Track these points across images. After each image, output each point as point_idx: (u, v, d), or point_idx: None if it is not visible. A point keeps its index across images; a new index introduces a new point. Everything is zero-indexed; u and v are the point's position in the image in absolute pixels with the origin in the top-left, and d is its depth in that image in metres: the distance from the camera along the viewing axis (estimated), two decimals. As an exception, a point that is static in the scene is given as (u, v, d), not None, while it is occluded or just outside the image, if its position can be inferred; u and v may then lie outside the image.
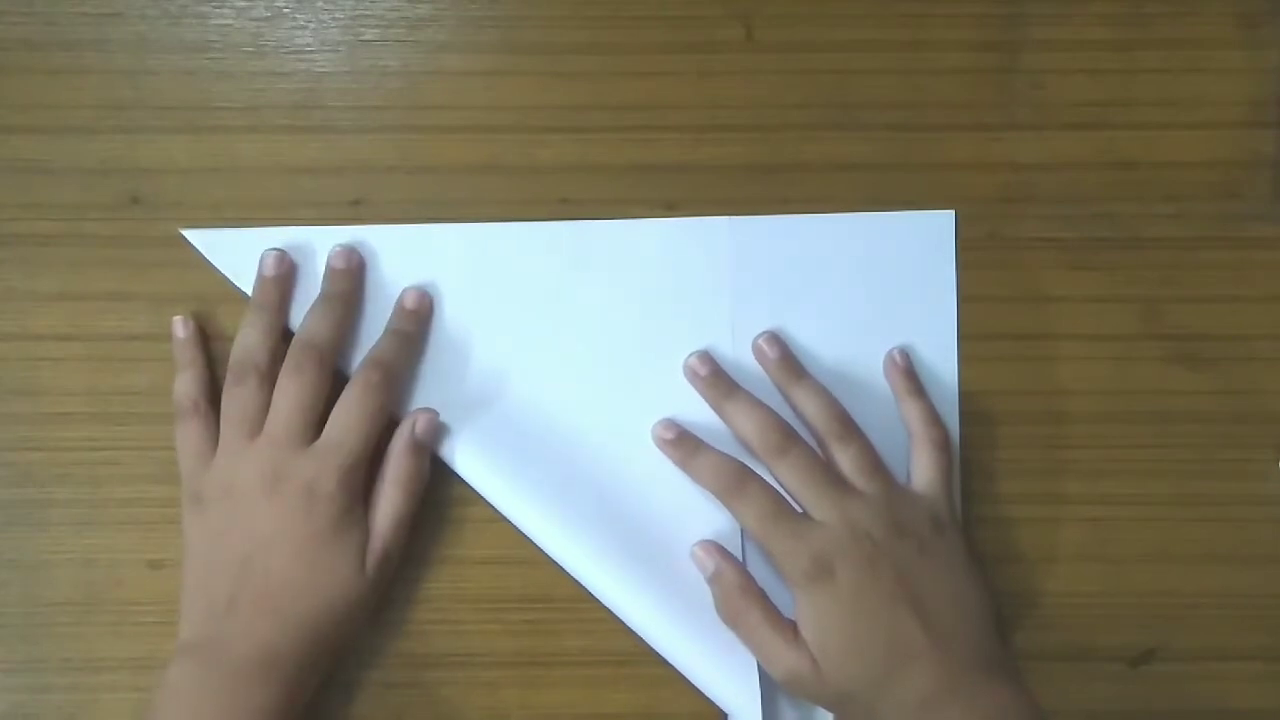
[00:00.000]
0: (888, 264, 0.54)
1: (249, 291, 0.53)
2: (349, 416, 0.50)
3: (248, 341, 0.51)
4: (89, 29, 0.55)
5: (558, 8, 0.55)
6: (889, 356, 0.54)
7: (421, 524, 0.54)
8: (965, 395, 0.54)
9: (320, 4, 0.55)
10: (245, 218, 0.54)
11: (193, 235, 0.54)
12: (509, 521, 0.53)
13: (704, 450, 0.52)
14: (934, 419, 0.53)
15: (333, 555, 0.49)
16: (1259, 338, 0.55)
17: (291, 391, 0.50)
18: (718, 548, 0.52)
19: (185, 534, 0.51)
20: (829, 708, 0.50)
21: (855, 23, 0.55)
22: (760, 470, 0.51)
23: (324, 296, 0.52)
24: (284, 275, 0.53)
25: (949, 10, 0.55)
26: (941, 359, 0.54)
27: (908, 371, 0.54)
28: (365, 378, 0.51)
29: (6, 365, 0.54)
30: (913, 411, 0.53)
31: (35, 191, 0.54)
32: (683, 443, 0.53)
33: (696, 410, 0.53)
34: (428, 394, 0.53)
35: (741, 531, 0.53)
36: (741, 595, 0.51)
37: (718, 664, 0.52)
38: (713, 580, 0.52)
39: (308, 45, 0.55)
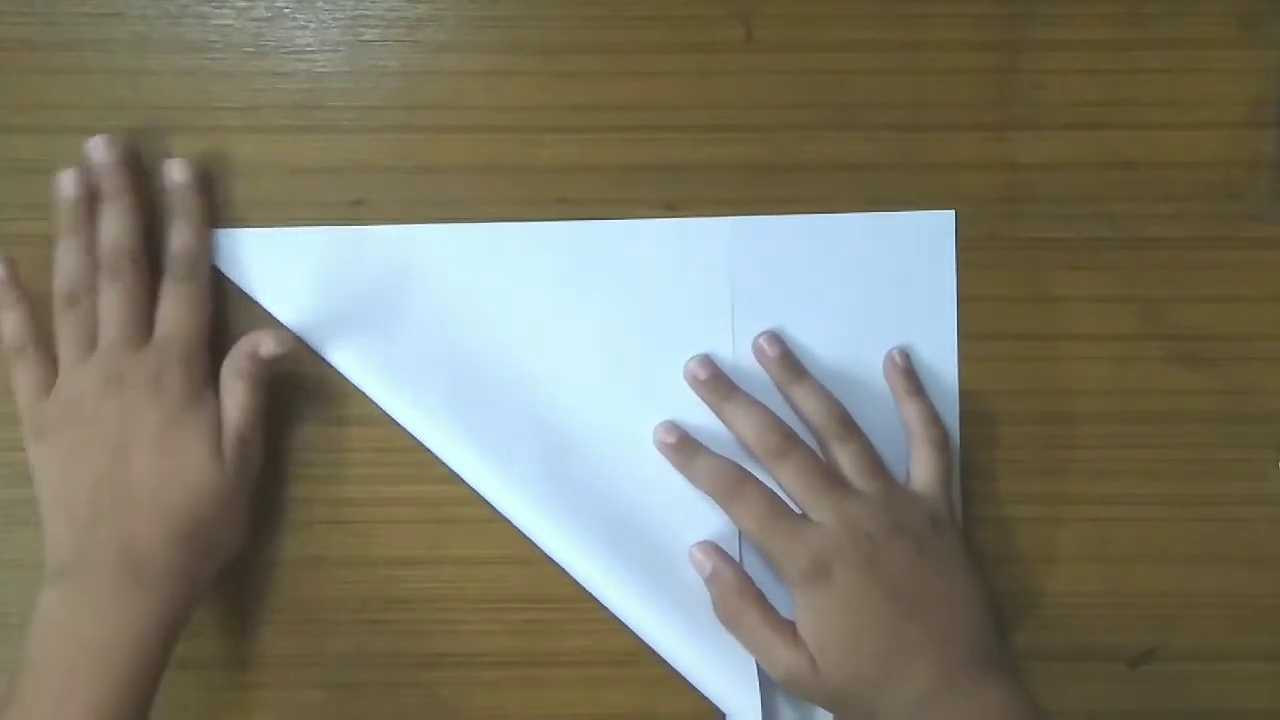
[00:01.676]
0: (888, 264, 0.54)
1: (251, 292, 0.53)
2: (174, 309, 0.51)
3: (67, 265, 0.51)
4: (89, 29, 0.55)
5: (558, 8, 0.55)
6: (889, 356, 0.54)
7: (421, 524, 0.54)
8: (965, 395, 0.54)
9: (320, 4, 0.55)
10: (245, 218, 0.54)
11: None
12: (509, 521, 0.53)
13: (702, 454, 0.52)
14: (933, 419, 0.53)
15: (186, 441, 0.49)
16: (1259, 338, 0.55)
17: (114, 297, 0.50)
18: (715, 549, 0.52)
19: (34, 471, 0.50)
20: (828, 707, 0.51)
21: (855, 23, 0.55)
22: (760, 472, 0.51)
23: (105, 197, 0.51)
24: (87, 195, 0.52)
25: (949, 10, 0.55)
26: (941, 359, 0.54)
27: (907, 371, 0.54)
28: (173, 273, 0.51)
29: (7, 365, 0.54)
30: (912, 411, 0.53)
31: (35, 191, 0.54)
32: (682, 446, 0.53)
33: (696, 411, 0.53)
34: (427, 394, 0.53)
35: (740, 533, 0.53)
36: (739, 596, 0.51)
37: (718, 665, 0.52)
38: (710, 581, 0.52)
39: (308, 45, 0.55)
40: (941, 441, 0.52)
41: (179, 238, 0.52)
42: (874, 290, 0.54)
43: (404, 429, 0.53)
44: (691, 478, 0.52)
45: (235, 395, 0.51)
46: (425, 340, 0.54)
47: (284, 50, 0.55)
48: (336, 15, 0.55)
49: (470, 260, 0.54)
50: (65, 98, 0.54)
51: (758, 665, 0.51)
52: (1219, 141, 0.55)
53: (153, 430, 0.49)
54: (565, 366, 0.54)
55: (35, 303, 0.52)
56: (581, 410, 0.54)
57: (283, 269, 0.54)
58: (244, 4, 0.55)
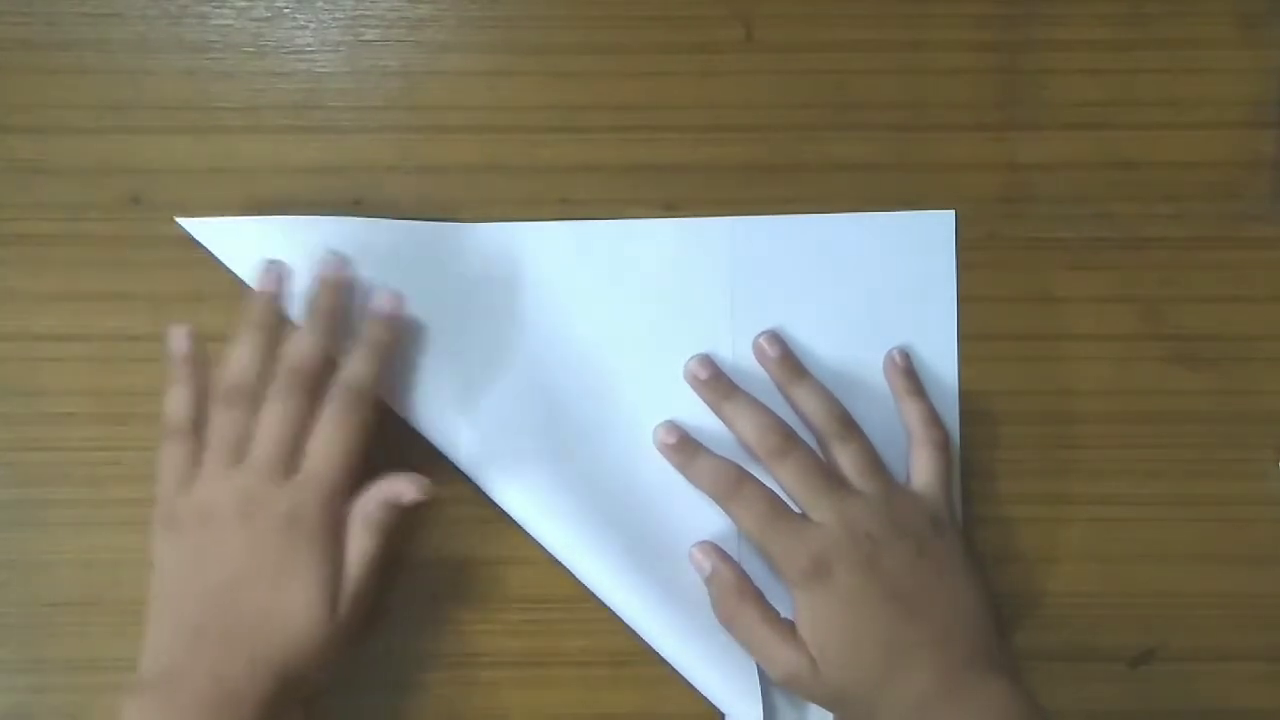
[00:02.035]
0: (888, 264, 0.54)
1: (246, 280, 0.53)
2: (327, 446, 0.49)
3: (241, 363, 0.50)
4: (89, 29, 0.55)
5: (558, 8, 0.55)
6: (889, 357, 0.54)
7: (421, 524, 0.54)
8: (965, 395, 0.54)
9: (321, 4, 0.55)
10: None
11: (188, 224, 0.54)
12: (509, 521, 0.53)
13: (702, 454, 0.52)
14: (934, 419, 0.53)
15: (306, 589, 0.48)
16: (1259, 338, 0.55)
17: (276, 419, 0.49)
18: (714, 548, 0.52)
19: (156, 558, 0.49)
20: (828, 707, 0.51)
21: (855, 23, 0.55)
22: (761, 473, 0.51)
23: (312, 313, 0.51)
24: (282, 291, 0.51)
25: (949, 10, 0.55)
26: (941, 359, 0.54)
27: (908, 372, 0.54)
28: (339, 404, 0.49)
29: (7, 365, 0.54)
30: (912, 412, 0.53)
31: (35, 191, 0.54)
32: (683, 447, 0.53)
33: (696, 411, 0.53)
34: (425, 394, 0.53)
35: (739, 534, 0.53)
36: (738, 595, 0.51)
37: (718, 665, 0.52)
38: (709, 581, 0.52)
39: (308, 45, 0.55)
40: (942, 442, 0.52)
41: (357, 366, 0.50)
42: (874, 290, 0.54)
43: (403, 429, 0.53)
44: (691, 478, 0.52)
45: (360, 545, 0.49)
46: (424, 339, 0.54)
47: (284, 50, 0.55)
48: (337, 15, 0.55)
49: (470, 260, 0.54)
50: (65, 98, 0.55)
51: (758, 665, 0.51)
52: (1219, 141, 0.55)
53: (273, 568, 0.48)
54: (565, 366, 0.54)
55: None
56: (581, 410, 0.54)
57: (284, 257, 0.53)
58: (244, 4, 0.55)
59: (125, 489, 0.54)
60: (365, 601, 0.50)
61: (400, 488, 0.49)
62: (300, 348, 0.50)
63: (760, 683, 0.51)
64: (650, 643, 0.52)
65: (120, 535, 0.54)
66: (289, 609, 0.48)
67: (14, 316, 0.54)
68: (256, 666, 0.47)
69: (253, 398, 0.49)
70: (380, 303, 0.51)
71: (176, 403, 0.51)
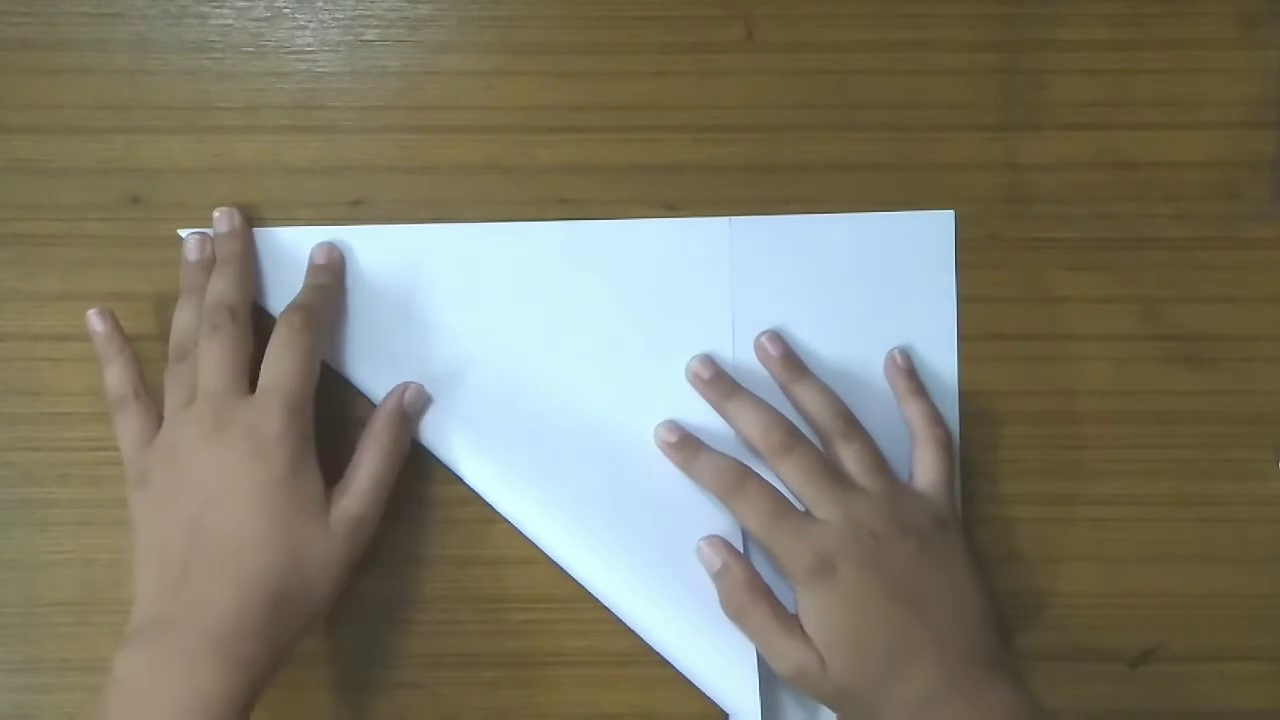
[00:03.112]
0: (888, 264, 0.54)
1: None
2: (280, 359, 0.49)
3: (183, 322, 0.51)
4: (89, 29, 0.55)
5: (558, 8, 0.55)
6: (890, 357, 0.54)
7: (421, 524, 0.54)
8: (965, 395, 0.54)
9: (321, 4, 0.55)
10: (245, 217, 0.54)
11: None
12: (509, 521, 0.53)
13: (704, 452, 0.52)
14: (936, 418, 0.53)
15: (288, 503, 0.48)
16: (1259, 338, 0.55)
17: (214, 349, 0.49)
18: (724, 543, 0.52)
19: (132, 518, 0.49)
20: (831, 705, 0.51)
21: (855, 23, 0.55)
22: (764, 471, 0.51)
23: (219, 261, 0.52)
24: (207, 258, 0.52)
25: (949, 10, 0.55)
26: (941, 359, 0.54)
27: (909, 372, 0.54)
28: (287, 320, 0.50)
29: (6, 365, 0.54)
30: (915, 411, 0.53)
31: (35, 191, 0.54)
32: (684, 445, 0.53)
33: (697, 410, 0.53)
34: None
35: (744, 533, 0.53)
36: (748, 590, 0.51)
37: (718, 664, 0.52)
38: (718, 576, 0.52)
39: (308, 45, 0.55)
40: (945, 441, 0.52)
41: (306, 296, 0.52)
42: (874, 290, 0.54)
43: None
44: (694, 476, 0.52)
45: (369, 465, 0.50)
46: (424, 340, 0.54)
47: (284, 50, 0.55)
48: (337, 15, 0.55)
49: (470, 260, 0.54)
50: (65, 98, 0.55)
51: (759, 664, 0.51)
52: (1219, 141, 0.55)
53: (251, 491, 0.47)
54: (565, 366, 0.54)
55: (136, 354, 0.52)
56: (582, 410, 0.54)
57: (282, 268, 0.54)
58: (244, 4, 0.55)
59: (124, 489, 0.54)
60: (369, 527, 0.50)
61: (399, 392, 0.51)
62: (217, 286, 0.51)
63: (760, 682, 0.51)
64: (651, 642, 0.53)
65: (120, 535, 0.54)
66: (276, 527, 0.47)
67: (14, 316, 0.54)
68: (250, 595, 0.46)
69: (194, 349, 0.50)
70: (317, 254, 0.53)
71: (114, 376, 0.51)
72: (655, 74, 0.55)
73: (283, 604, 0.47)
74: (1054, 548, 0.54)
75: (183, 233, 0.53)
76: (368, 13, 0.55)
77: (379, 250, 0.54)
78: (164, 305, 0.54)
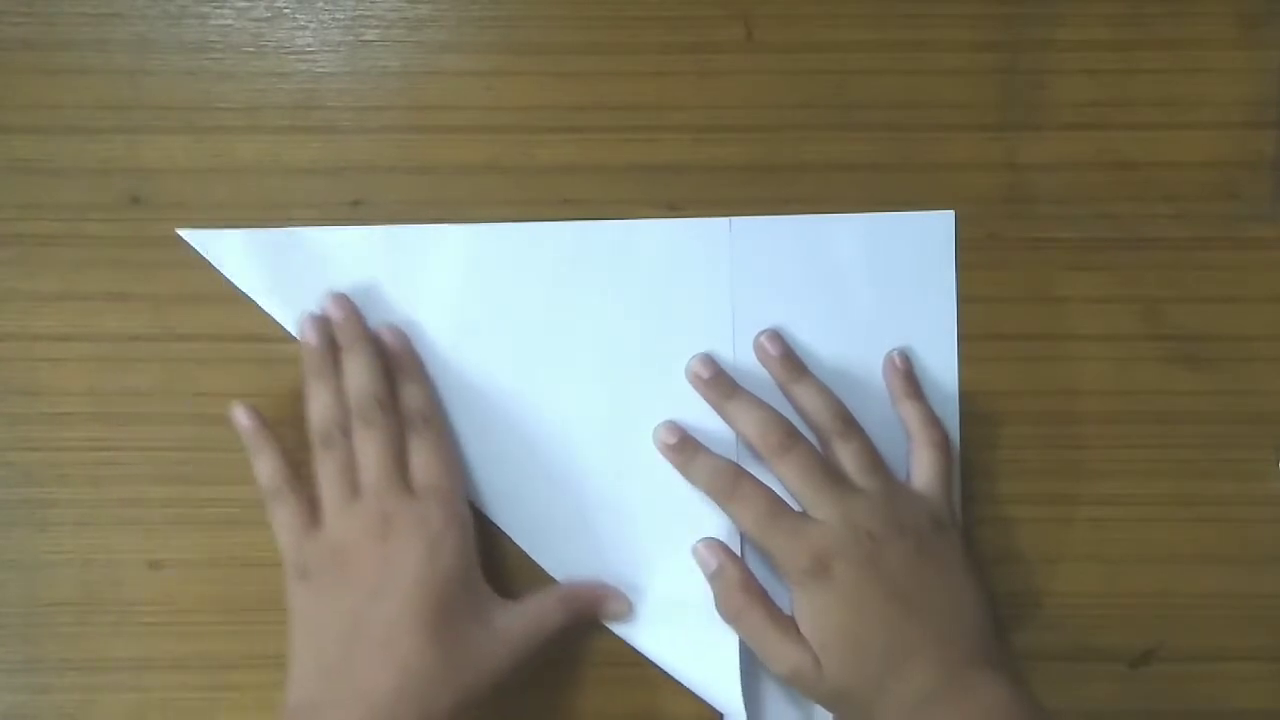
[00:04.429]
0: (888, 264, 0.54)
1: (250, 292, 0.53)
2: (424, 459, 0.51)
3: (320, 408, 0.51)
4: (89, 29, 0.55)
5: (558, 8, 0.55)
6: (888, 359, 0.54)
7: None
8: (965, 395, 0.54)
9: (321, 4, 0.55)
10: (245, 218, 0.54)
11: (189, 235, 0.54)
12: (504, 523, 0.53)
13: (701, 454, 0.52)
14: (932, 420, 0.53)
15: (454, 597, 0.48)
16: (1259, 338, 0.55)
17: (371, 441, 0.50)
18: (720, 545, 0.52)
19: (291, 608, 0.50)
20: (827, 706, 0.51)
21: (855, 23, 0.55)
22: (762, 472, 0.51)
23: (346, 351, 0.52)
24: (328, 341, 0.52)
25: (949, 10, 0.55)
26: (941, 359, 0.54)
27: (907, 374, 0.54)
28: (414, 429, 0.51)
29: (6, 365, 0.54)
30: (911, 413, 0.53)
31: (35, 191, 0.54)
32: (683, 447, 0.53)
33: (697, 410, 0.53)
34: (428, 394, 0.54)
35: (742, 536, 0.53)
36: (743, 592, 0.51)
37: (707, 666, 0.52)
38: (714, 578, 0.52)
39: (308, 45, 0.55)
40: (941, 442, 0.52)
41: (405, 393, 0.52)
42: (874, 290, 0.54)
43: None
44: (690, 478, 0.53)
45: (551, 617, 0.51)
46: (424, 341, 0.54)
47: (284, 50, 0.55)
48: (337, 15, 0.55)
49: (470, 260, 0.54)
50: (65, 98, 0.54)
51: (743, 667, 0.52)
52: (1219, 141, 0.55)
53: (416, 574, 0.48)
54: (565, 366, 0.54)
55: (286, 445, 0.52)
56: (581, 410, 0.54)
57: (283, 269, 0.54)
58: (244, 4, 0.55)
59: (125, 489, 0.54)
60: (522, 667, 0.50)
61: (616, 607, 0.52)
62: (360, 378, 0.51)
63: (743, 684, 0.52)
64: (638, 644, 0.53)
65: (120, 535, 0.54)
66: (441, 623, 0.48)
67: (14, 316, 0.54)
68: (406, 679, 0.47)
69: (343, 434, 0.51)
70: (384, 335, 0.53)
71: (266, 467, 0.52)
72: (655, 74, 0.55)
73: (442, 693, 0.47)
74: (1054, 548, 0.54)
75: (305, 325, 0.52)
76: (368, 13, 0.55)
77: (379, 250, 0.54)
78: (163, 305, 0.54)
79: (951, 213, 0.55)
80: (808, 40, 0.55)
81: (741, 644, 0.52)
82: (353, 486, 0.50)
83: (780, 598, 0.51)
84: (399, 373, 0.52)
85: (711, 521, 0.53)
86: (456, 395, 0.54)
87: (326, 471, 0.51)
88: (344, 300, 0.53)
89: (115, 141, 0.54)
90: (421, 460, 0.51)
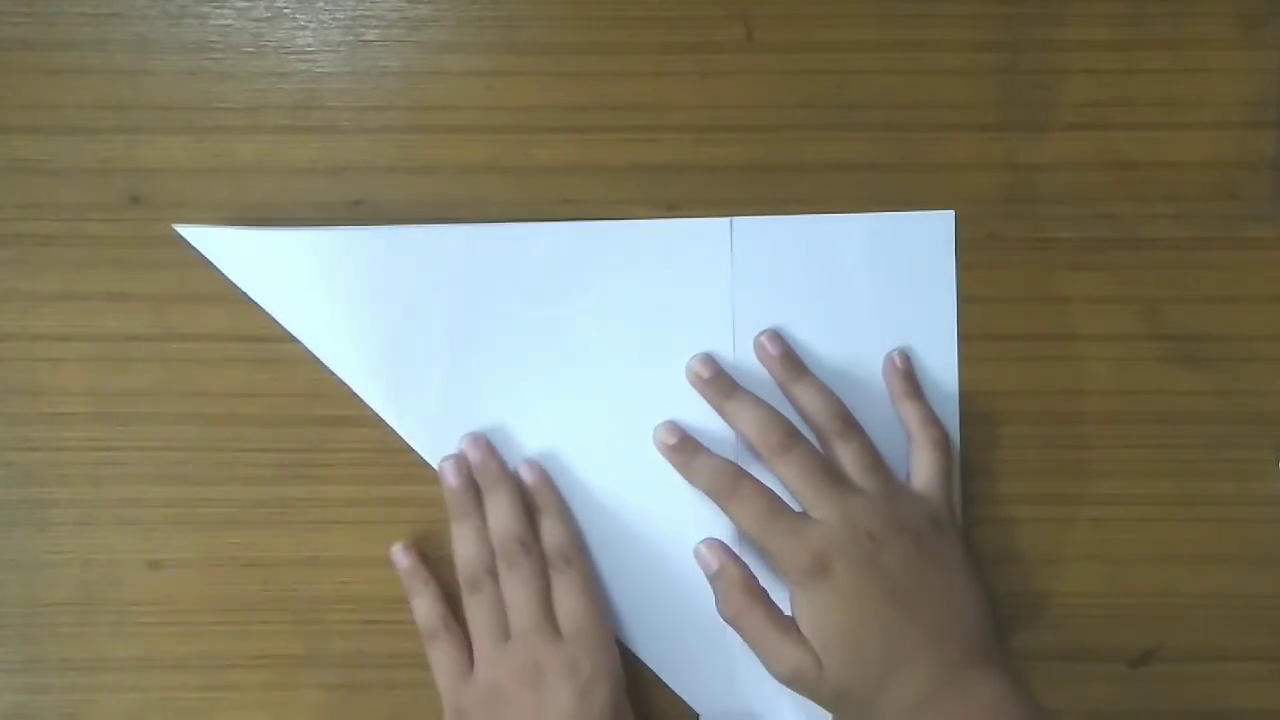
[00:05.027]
0: (888, 264, 0.54)
1: (250, 292, 0.53)
2: (567, 599, 0.51)
3: (466, 551, 0.52)
4: (89, 29, 0.55)
5: (558, 8, 0.55)
6: (888, 359, 0.54)
7: (421, 524, 0.54)
8: (965, 395, 0.54)
9: (321, 4, 0.55)
10: (245, 218, 0.54)
11: (186, 231, 0.54)
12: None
13: (701, 454, 0.52)
14: (932, 420, 0.53)
15: None
16: (1259, 338, 0.55)
17: (517, 584, 0.51)
18: (722, 546, 0.52)
19: None
20: (827, 706, 0.50)
21: (855, 23, 0.55)
22: (762, 473, 0.51)
23: (488, 492, 0.53)
24: (467, 481, 0.53)
25: (949, 10, 0.55)
26: (941, 359, 0.54)
27: (906, 374, 0.54)
28: (557, 569, 0.52)
29: (6, 365, 0.54)
30: (911, 413, 0.53)
31: (35, 191, 0.54)
32: (683, 447, 0.53)
33: (696, 411, 0.53)
34: (425, 395, 0.53)
35: (739, 538, 0.53)
36: (744, 593, 0.51)
37: (700, 666, 0.53)
38: (715, 578, 0.52)
39: (308, 46, 0.55)
40: (941, 441, 0.52)
41: (554, 528, 0.53)
42: (874, 290, 0.54)
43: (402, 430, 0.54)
44: (690, 478, 0.53)
45: None
46: (424, 341, 0.54)
47: (284, 50, 0.55)
48: (337, 15, 0.55)
49: (470, 260, 0.54)
50: (65, 98, 0.54)
51: (746, 668, 0.52)
52: (1219, 141, 0.55)
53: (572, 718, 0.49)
54: (565, 366, 0.54)
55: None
56: (580, 410, 0.54)
57: (283, 269, 0.54)
58: (244, 4, 0.55)
59: (125, 489, 0.54)
60: None
61: None
62: (503, 520, 0.52)
63: (741, 686, 0.52)
64: (632, 644, 0.53)
65: (120, 535, 0.54)
66: None
67: (14, 316, 0.54)
68: None
69: (490, 577, 0.52)
70: (524, 472, 0.53)
71: (424, 609, 0.53)
72: (655, 74, 0.55)
73: None
74: (1054, 548, 0.54)
75: (445, 468, 0.53)
76: (368, 13, 0.55)
77: (379, 250, 0.54)
78: (163, 305, 0.54)
79: (951, 213, 0.55)
80: (808, 40, 0.55)
81: (742, 648, 0.52)
82: (503, 630, 0.51)
83: (781, 600, 0.51)
84: (541, 510, 0.53)
85: (711, 522, 0.53)
86: (456, 396, 0.54)
87: (476, 616, 0.52)
88: (482, 441, 0.53)
89: (115, 141, 0.54)
90: (567, 601, 0.51)
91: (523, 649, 0.50)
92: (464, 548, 0.52)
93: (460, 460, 0.53)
